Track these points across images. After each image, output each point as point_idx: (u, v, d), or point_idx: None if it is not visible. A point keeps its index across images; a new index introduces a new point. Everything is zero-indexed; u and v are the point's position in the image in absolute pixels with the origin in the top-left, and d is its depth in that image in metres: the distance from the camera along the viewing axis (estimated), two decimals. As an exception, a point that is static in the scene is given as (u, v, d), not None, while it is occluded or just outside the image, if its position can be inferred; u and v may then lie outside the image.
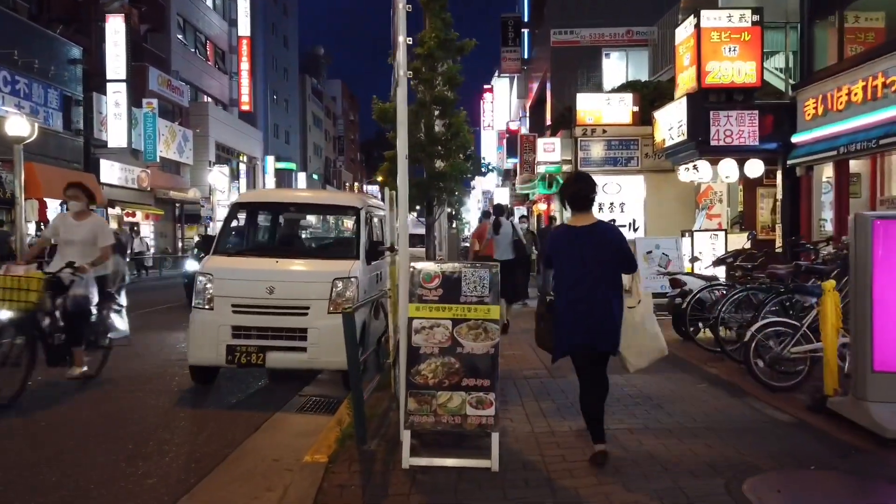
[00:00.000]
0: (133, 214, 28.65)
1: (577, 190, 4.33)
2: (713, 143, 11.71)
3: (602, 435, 4.23)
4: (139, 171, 29.51)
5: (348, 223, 8.84)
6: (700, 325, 8.08)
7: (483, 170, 12.39)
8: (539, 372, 7.05)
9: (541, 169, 15.01)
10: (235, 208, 7.29)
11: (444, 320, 4.33)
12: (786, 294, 6.41)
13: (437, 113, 7.43)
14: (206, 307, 6.47)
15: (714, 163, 12.17)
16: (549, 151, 14.76)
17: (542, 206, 19.34)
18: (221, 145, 39.33)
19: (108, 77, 26.80)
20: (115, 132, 26.86)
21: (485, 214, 12.15)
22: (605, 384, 4.41)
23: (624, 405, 5.58)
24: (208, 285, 6.49)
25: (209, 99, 40.65)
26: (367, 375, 6.33)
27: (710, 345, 7.67)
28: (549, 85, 19.94)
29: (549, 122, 18.20)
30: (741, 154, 11.97)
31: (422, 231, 15.02)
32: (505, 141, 27.20)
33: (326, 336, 6.08)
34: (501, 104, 30.61)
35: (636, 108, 14.80)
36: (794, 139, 11.52)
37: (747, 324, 6.73)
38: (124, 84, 27.02)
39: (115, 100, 26.89)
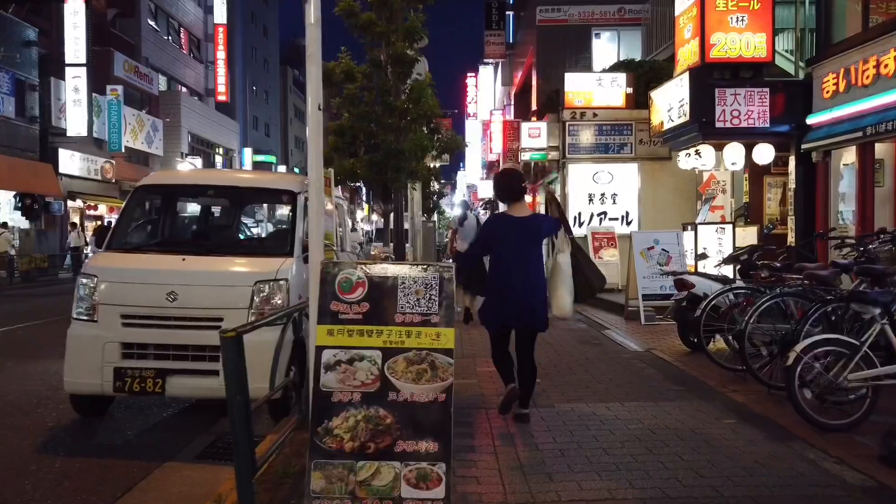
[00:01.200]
0: (95, 207, 26.86)
1: (509, 183, 4.80)
2: (718, 124, 10.29)
3: (513, 377, 4.84)
4: (103, 161, 27.71)
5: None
6: (716, 335, 6.64)
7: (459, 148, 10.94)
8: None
9: (525, 157, 13.58)
10: (140, 193, 5.75)
11: (370, 351, 2.87)
12: (836, 302, 4.97)
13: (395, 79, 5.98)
14: (89, 318, 4.96)
15: (718, 148, 10.76)
16: (535, 137, 13.32)
17: (527, 199, 17.88)
18: (196, 136, 37.53)
19: (66, 61, 24.97)
20: (75, 120, 25.06)
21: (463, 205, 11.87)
22: (535, 366, 4.93)
23: (631, 454, 4.12)
24: (92, 290, 4.97)
25: (184, 89, 38.81)
26: (292, 410, 4.84)
27: (728, 360, 6.24)
28: (534, 69, 18.47)
29: (534, 108, 16.74)
30: (749, 138, 10.57)
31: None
32: (489, 131, 25.73)
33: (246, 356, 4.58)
34: (486, 93, 29.09)
35: (630, 90, 13.36)
36: (810, 120, 10.12)
37: (781, 339, 5.30)
38: (84, 69, 25.20)
39: (74, 85, 25.09)
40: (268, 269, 5.09)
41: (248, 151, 44.29)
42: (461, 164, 50.82)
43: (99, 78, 27.71)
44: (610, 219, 13.24)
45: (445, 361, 2.81)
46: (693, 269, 9.55)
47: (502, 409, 4.88)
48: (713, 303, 6.50)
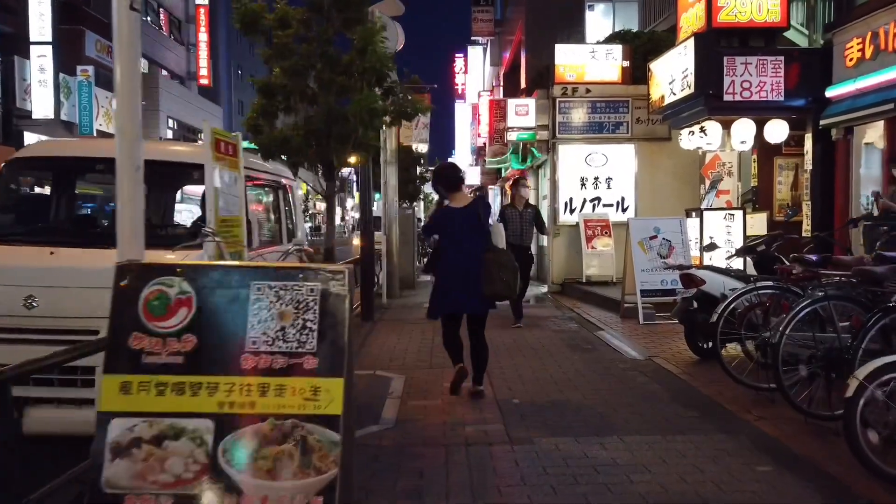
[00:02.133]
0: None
1: (449, 176, 5.10)
2: (727, 97, 9.06)
3: (461, 357, 5.06)
4: (74, 146, 26.23)
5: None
6: (731, 342, 5.44)
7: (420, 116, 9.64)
8: (488, 428, 4.37)
9: (512, 136, 12.33)
10: (12, 168, 4.48)
11: (195, 421, 1.63)
12: (905, 310, 3.76)
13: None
14: (-82, 332, 3.74)
15: (726, 125, 9.53)
16: (522, 115, 12.07)
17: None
18: (176, 121, 36.01)
19: (31, 39, 23.46)
20: (41, 101, 23.60)
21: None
22: (486, 346, 5.15)
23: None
24: (-76, 294, 3.74)
25: (165, 72, 37.24)
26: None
27: (749, 375, 5.03)
28: (523, 46, 17.18)
29: (523, 86, 15.48)
30: (761, 113, 9.35)
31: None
32: (478, 114, 24.43)
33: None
34: (475, 74, 27.71)
35: (626, 64, 12.09)
36: (830, 93, 8.90)
37: (825, 354, 4.11)
38: (50, 47, 23.71)
39: (39, 64, 23.62)
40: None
41: (231, 137, 42.70)
42: (451, 151, 49.45)
43: (70, 58, 26.21)
44: (604, 205, 12.02)
45: (327, 440, 1.60)
46: (698, 262, 8.36)
47: (452, 389, 5.00)
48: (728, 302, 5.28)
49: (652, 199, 11.94)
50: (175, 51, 39.01)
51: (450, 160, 14.14)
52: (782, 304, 4.83)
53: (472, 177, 25.89)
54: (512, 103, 12.35)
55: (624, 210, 12.06)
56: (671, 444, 3.97)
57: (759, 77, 9.04)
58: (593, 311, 9.63)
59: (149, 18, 35.95)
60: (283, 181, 6.38)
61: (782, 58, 9.13)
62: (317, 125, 4.75)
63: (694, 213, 9.00)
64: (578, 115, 12.02)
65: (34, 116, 23.50)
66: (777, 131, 9.38)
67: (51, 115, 23.78)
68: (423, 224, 6.63)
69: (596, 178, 12.06)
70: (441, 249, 4.94)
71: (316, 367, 1.61)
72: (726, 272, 6.29)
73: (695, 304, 6.11)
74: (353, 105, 4.53)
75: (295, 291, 1.65)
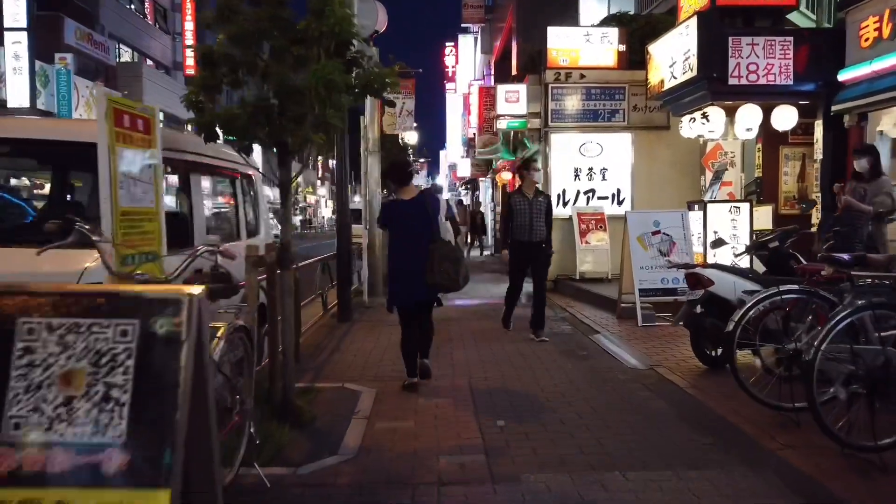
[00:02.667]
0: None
1: (399, 170, 5.30)
2: (732, 80, 8.38)
3: (415, 371, 5.11)
4: (52, 136, 25.30)
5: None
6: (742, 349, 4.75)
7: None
8: (466, 459, 3.66)
9: (502, 124, 11.61)
10: None
11: None
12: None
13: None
14: None
15: (730, 112, 8.83)
16: (513, 102, 11.35)
17: (506, 176, 15.90)
18: (162, 112, 35.01)
19: (5, 25, 22.53)
20: (16, 90, 22.69)
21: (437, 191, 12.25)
22: (432, 327, 5.43)
23: None
24: None
25: (150, 62, 36.26)
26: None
27: (771, 394, 4.34)
28: (514, 32, 16.44)
29: (514, 73, 14.76)
30: (768, 98, 8.66)
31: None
32: (469, 104, 23.66)
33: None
34: (466, 64, 26.89)
35: (623, 48, 11.38)
36: (843, 76, 8.21)
37: (867, 374, 3.43)
38: (25, 33, 22.77)
39: (14, 51, 22.69)
40: (62, 269, 3.13)
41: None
42: (443, 142, 48.62)
43: (48, 46, 25.27)
44: (599, 197, 11.33)
45: None
46: (702, 260, 7.69)
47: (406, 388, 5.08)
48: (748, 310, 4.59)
49: (649, 192, 11.26)
50: (160, 40, 38.02)
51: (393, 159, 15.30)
52: (810, 311, 4.14)
53: (464, 168, 25.16)
54: (502, 89, 11.62)
55: (620, 203, 11.38)
56: (684, 483, 3.29)
57: (766, 59, 8.35)
58: (587, 311, 8.95)
59: (133, 7, 34.98)
60: (245, 170, 5.65)
61: (791, 38, 8.44)
62: (267, 101, 4.00)
63: (697, 206, 8.33)
64: (572, 102, 11.31)
65: (9, 105, 22.56)
66: (785, 118, 8.69)
67: (26, 104, 22.86)
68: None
69: (590, 169, 11.37)
70: (389, 240, 5.22)
71: (124, 471, 0.91)
72: (737, 272, 5.60)
73: (702, 308, 5.43)
74: (311, 75, 3.78)
75: (94, 335, 0.95)
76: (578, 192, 11.34)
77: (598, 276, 10.86)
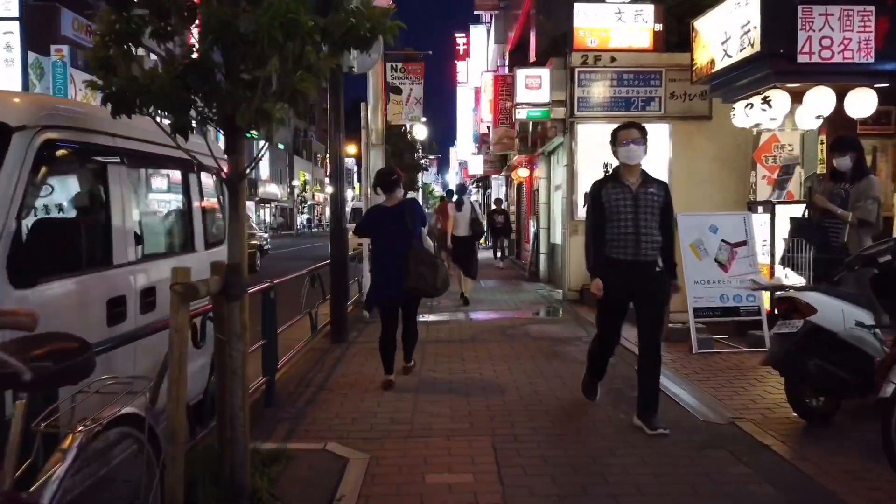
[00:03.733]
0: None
1: (384, 178, 5.37)
2: (801, 58, 6.95)
3: (392, 369, 5.25)
4: (47, 131, 24.17)
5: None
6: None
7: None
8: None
9: (521, 114, 10.24)
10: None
11: None
12: None
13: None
14: None
15: (796, 96, 7.42)
16: (534, 88, 10.00)
17: (522, 173, 14.50)
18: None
19: (-3, 14, 21.40)
20: (8, 82, 21.50)
21: (448, 194, 12.08)
22: (416, 327, 5.59)
23: None
24: None
25: (154, 56, 35.12)
26: None
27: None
28: (533, 13, 15.00)
29: (532, 60, 13.39)
30: (843, 79, 7.23)
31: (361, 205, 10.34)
32: (481, 99, 22.21)
33: None
34: (478, 56, 25.45)
35: (659, 27, 9.97)
36: (937, 52, 6.78)
37: None
38: (18, 23, 21.65)
39: (6, 42, 21.56)
40: None
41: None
42: (454, 141, 47.21)
43: (43, 37, 24.18)
44: (631, 196, 9.93)
45: None
46: (768, 274, 6.31)
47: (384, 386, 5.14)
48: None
49: (688, 190, 9.84)
50: (165, 34, 36.82)
51: (382, 167, 14.82)
52: None
53: (475, 165, 23.76)
54: (522, 74, 10.23)
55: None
56: None
57: (842, 33, 6.92)
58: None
59: (136, -1, 33.83)
60: (203, 160, 4.34)
61: (872, 8, 7.00)
62: (201, 57, 2.68)
63: (761, 208, 6.93)
64: (601, 89, 9.92)
65: (0, 98, 21.49)
66: (862, 103, 7.25)
67: (18, 97, 21.71)
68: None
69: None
70: (373, 244, 5.56)
71: None
72: (846, 296, 4.22)
73: (801, 344, 4.06)
74: (264, 15, 2.45)
75: None
76: (608, 191, 9.95)
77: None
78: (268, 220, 50.71)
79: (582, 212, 9.95)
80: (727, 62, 7.73)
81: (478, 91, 24.54)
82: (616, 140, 4.44)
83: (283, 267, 16.26)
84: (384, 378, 5.21)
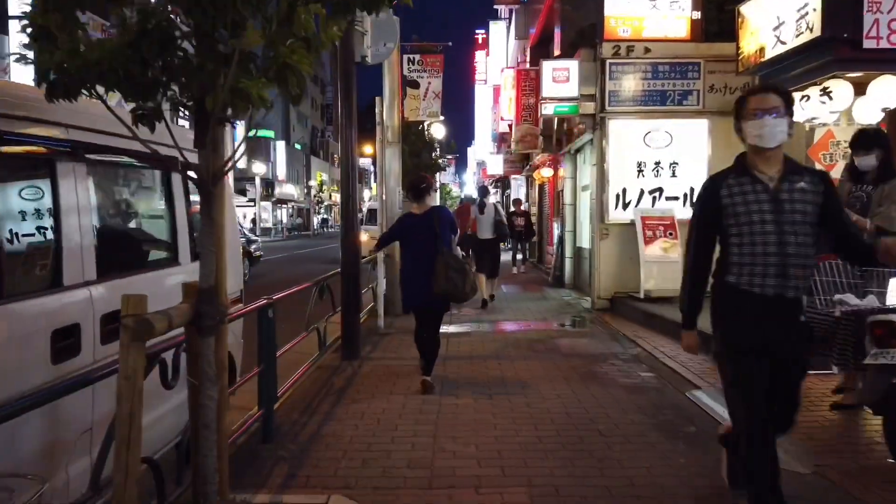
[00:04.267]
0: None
1: (415, 187, 5.35)
2: (868, 43, 6.18)
3: (430, 371, 5.23)
4: (62, 131, 23.86)
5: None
6: None
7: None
8: None
9: (548, 110, 9.52)
10: None
11: None
12: None
13: None
14: None
15: (860, 86, 6.64)
16: (561, 82, 9.28)
17: (546, 173, 13.75)
18: (180, 107, 33.51)
19: (10, 13, 21.05)
20: (22, 82, 21.20)
21: (468, 198, 11.92)
22: (438, 337, 5.39)
23: None
24: None
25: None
26: None
27: None
28: (557, 9, 14.26)
29: (557, 55, 12.66)
30: (913, 67, 6.44)
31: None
32: (500, 98, 21.43)
33: None
34: (498, 53, 24.70)
35: (697, 15, 9.21)
36: None
37: None
38: (31, 22, 21.28)
39: (20, 40, 21.16)
40: None
41: (240, 125, 40.20)
42: (471, 140, 46.45)
43: None
44: (667, 198, 9.20)
45: None
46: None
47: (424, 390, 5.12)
48: None
49: (729, 191, 9.07)
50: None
51: (414, 174, 14.97)
52: None
53: (495, 165, 23.03)
54: (548, 66, 9.50)
55: (693, 204, 9.20)
56: None
57: (915, 14, 6.14)
58: (665, 345, 6.84)
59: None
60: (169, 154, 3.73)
61: (950, -14, 6.20)
62: (160, 21, 2.02)
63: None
64: (635, 82, 9.18)
65: (13, 98, 21.19)
66: (935, 94, 6.45)
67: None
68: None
69: (657, 164, 9.22)
70: (401, 250, 5.50)
71: None
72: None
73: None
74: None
75: None
76: (642, 192, 9.21)
77: (667, 295, 8.72)
78: (285, 220, 50.38)
79: (614, 214, 9.23)
80: (780, 50, 6.96)
81: (497, 89, 23.83)
82: (742, 111, 2.82)
83: (295, 272, 15.62)
84: (422, 379, 5.21)
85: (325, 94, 65.95)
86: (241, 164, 40.44)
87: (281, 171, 48.05)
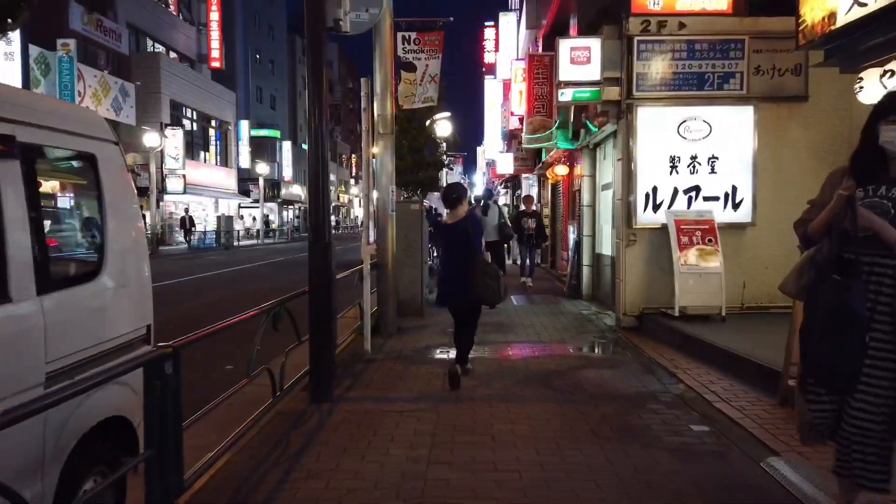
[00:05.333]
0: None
1: (449, 196, 5.71)
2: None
3: (465, 361, 5.64)
4: (53, 129, 22.77)
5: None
6: None
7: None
8: None
9: (565, 96, 8.12)
10: None
11: None
12: None
13: None
14: None
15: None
16: (581, 63, 7.91)
17: (560, 170, 12.32)
18: (180, 105, 32.49)
19: (-5, 5, 19.96)
20: (7, 77, 20.09)
21: (476, 200, 11.65)
22: (474, 331, 5.79)
23: None
24: None
25: (173, 54, 33.82)
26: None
27: None
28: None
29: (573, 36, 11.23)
30: None
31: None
32: (510, 93, 20.06)
33: None
34: (508, 46, 23.26)
35: (740, -15, 7.81)
36: None
37: None
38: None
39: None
40: None
41: (245, 124, 39.21)
42: (480, 140, 45.04)
43: (51, 31, 22.81)
44: (705, 198, 7.80)
45: None
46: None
47: (451, 383, 5.32)
48: None
49: (778, 189, 7.70)
50: (184, 31, 35.52)
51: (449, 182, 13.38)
52: None
53: (505, 164, 21.64)
54: (566, 45, 8.12)
55: (736, 206, 7.82)
56: None
57: None
58: (713, 379, 5.47)
59: (154, -5, 32.48)
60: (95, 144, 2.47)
61: None
62: None
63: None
64: (667, 63, 7.80)
65: None
66: None
67: (18, 93, 20.29)
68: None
69: (693, 158, 7.83)
70: (440, 252, 6.17)
71: None
72: None
73: None
74: None
75: None
76: (676, 191, 7.82)
77: (706, 313, 7.36)
78: (291, 220, 49.25)
79: (642, 216, 7.86)
80: (857, 14, 5.55)
81: (507, 84, 22.43)
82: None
83: (277, 282, 14.16)
84: (454, 366, 5.43)
85: (332, 94, 64.81)
86: (245, 164, 39.33)
87: (287, 172, 46.93)
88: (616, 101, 7.98)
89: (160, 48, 32.58)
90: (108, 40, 26.40)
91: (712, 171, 7.81)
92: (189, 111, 33.45)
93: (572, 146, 11.11)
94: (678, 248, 7.50)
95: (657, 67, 7.80)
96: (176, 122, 31.05)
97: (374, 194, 6.97)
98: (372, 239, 6.69)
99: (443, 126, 17.18)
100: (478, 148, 48.83)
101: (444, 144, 17.96)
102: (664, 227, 7.73)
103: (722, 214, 7.73)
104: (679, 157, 7.82)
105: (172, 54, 33.81)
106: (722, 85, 7.79)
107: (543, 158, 14.66)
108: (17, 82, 20.04)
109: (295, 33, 51.36)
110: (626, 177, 7.91)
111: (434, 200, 23.52)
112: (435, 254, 12.20)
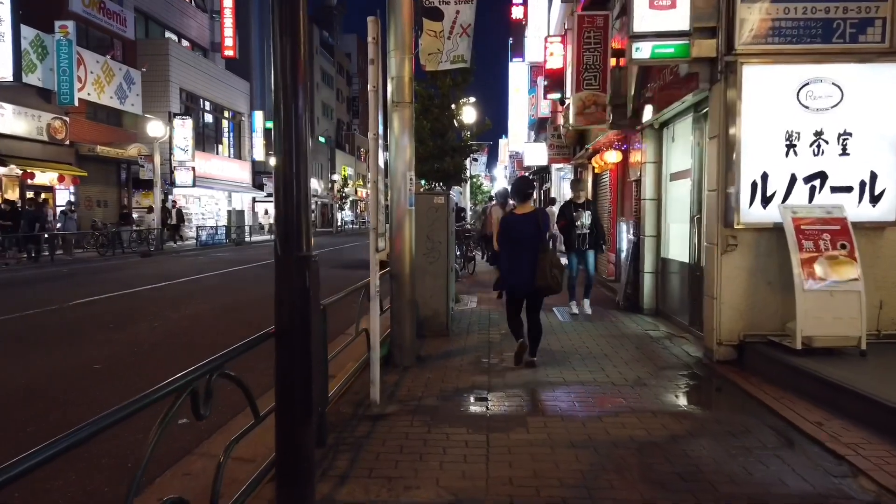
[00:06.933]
0: (32, 176, 20.34)
1: (522, 189, 5.99)
2: None
3: (534, 353, 5.82)
4: (51, 118, 21.20)
5: None
6: None
7: None
8: None
9: (641, 52, 5.99)
10: None
11: None
12: None
13: None
14: None
15: None
16: (664, 8, 5.85)
17: (611, 158, 10.12)
18: (192, 95, 30.83)
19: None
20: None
21: (499, 194, 11.31)
22: (540, 328, 5.90)
23: None
24: None
25: (185, 42, 32.19)
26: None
27: None
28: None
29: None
30: None
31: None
32: (538, 78, 17.96)
33: None
34: (537, 23, 21.03)
35: None
36: None
37: None
38: (9, -7, 18.52)
39: (-4, 15, 18.47)
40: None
41: (259, 115, 37.48)
42: (503, 133, 42.83)
43: (50, 13, 21.20)
44: (833, 188, 5.71)
45: None
46: None
47: (516, 360, 5.78)
48: None
49: (935, 178, 5.57)
50: (196, 18, 33.85)
51: (520, 174, 12.93)
52: None
53: (534, 155, 19.50)
54: (643, -16, 6.04)
55: (875, 199, 5.73)
56: None
57: None
58: (879, 458, 3.41)
59: (164, -21, 30.81)
60: None
61: None
62: None
63: None
64: (781, 6, 5.70)
65: (-11, 78, 18.48)
66: None
67: (9, 77, 18.65)
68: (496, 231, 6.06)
69: (818, 134, 5.74)
70: (502, 247, 5.93)
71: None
72: None
73: None
74: None
75: None
76: (794, 179, 5.74)
77: (840, 345, 5.29)
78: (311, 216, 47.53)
79: (746, 213, 5.78)
80: None
81: (536, 70, 20.32)
82: None
83: (256, 296, 11.74)
84: (519, 340, 5.78)
85: (351, 86, 62.90)
86: (260, 157, 37.63)
87: (304, 165, 45.24)
88: (711, 59, 5.91)
89: (172, 36, 30.92)
90: (111, 24, 24.74)
91: (843, 153, 5.71)
92: (201, 101, 31.79)
93: (630, 126, 9.03)
94: (799, 256, 5.42)
95: (768, 12, 5.70)
96: (186, 111, 29.38)
97: (382, 184, 5.00)
98: (381, 246, 4.70)
99: (468, 112, 15.20)
100: (500, 140, 46.65)
101: (469, 134, 15.92)
102: (775, 228, 5.67)
103: (856, 210, 5.65)
104: (798, 134, 5.73)
105: (185, 42, 32.17)
106: (856, 36, 5.67)
107: (588, 145, 12.56)
108: (8, 65, 18.42)
109: (313, 23, 49.45)
110: (724, 160, 5.84)
111: (458, 196, 21.42)
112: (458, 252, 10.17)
